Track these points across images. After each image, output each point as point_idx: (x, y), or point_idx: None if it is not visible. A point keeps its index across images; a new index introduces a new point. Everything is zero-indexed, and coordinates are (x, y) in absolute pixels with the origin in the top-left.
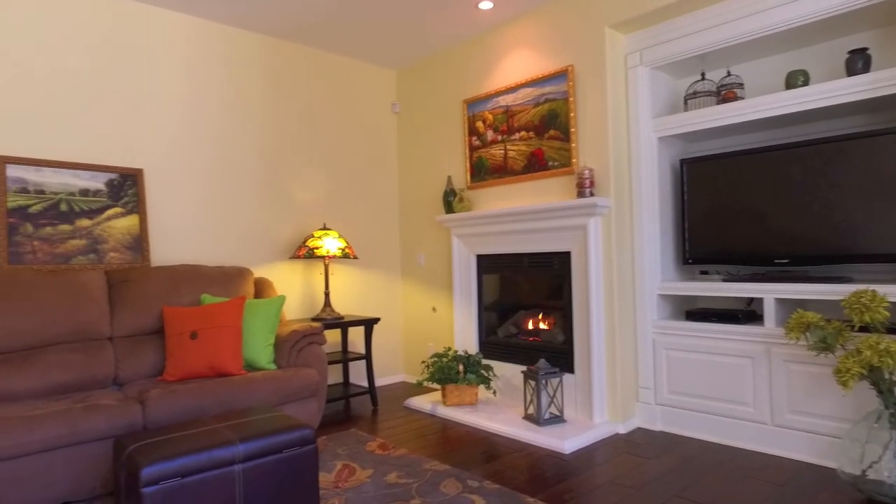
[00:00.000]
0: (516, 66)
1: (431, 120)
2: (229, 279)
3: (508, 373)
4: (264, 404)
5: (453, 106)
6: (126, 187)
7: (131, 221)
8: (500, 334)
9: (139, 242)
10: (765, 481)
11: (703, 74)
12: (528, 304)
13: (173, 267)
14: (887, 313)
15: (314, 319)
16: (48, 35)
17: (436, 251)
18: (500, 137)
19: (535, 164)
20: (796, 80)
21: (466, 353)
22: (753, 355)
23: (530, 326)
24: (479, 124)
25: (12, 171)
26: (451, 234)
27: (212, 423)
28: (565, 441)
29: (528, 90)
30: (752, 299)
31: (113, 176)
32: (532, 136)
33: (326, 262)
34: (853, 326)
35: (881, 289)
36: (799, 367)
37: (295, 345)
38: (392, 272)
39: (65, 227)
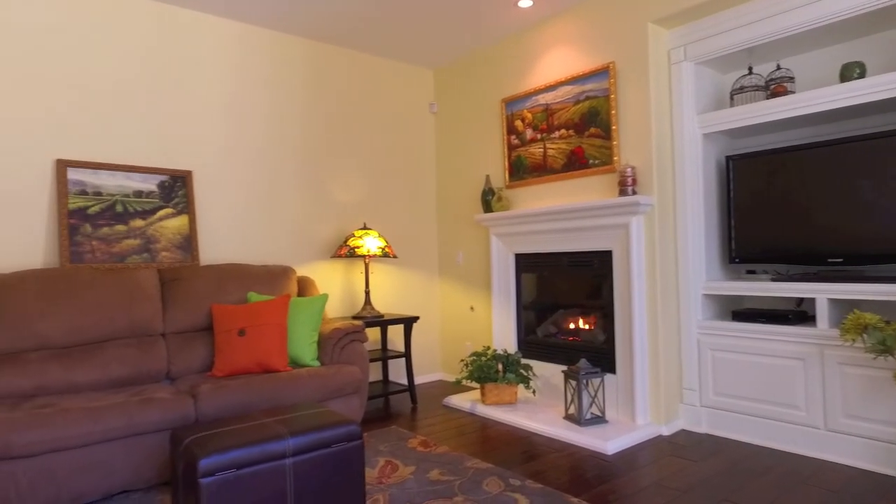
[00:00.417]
0: (556, 64)
1: (469, 119)
2: (274, 278)
3: (548, 372)
4: (309, 400)
5: (491, 105)
6: (176, 188)
7: (181, 221)
8: (540, 333)
9: (189, 242)
10: (817, 487)
11: (750, 69)
12: (567, 304)
13: (221, 266)
14: None
15: (355, 317)
16: (105, 47)
17: (474, 250)
18: (539, 136)
19: (576, 163)
20: (852, 72)
21: (506, 352)
22: (805, 357)
23: (570, 326)
24: (518, 123)
25: (72, 175)
26: (489, 234)
27: (262, 418)
28: (608, 442)
29: (568, 88)
30: (801, 300)
31: (164, 178)
32: (572, 135)
33: (367, 261)
34: None
35: None
36: (855, 370)
37: (338, 342)
38: (430, 271)
39: (120, 228)
